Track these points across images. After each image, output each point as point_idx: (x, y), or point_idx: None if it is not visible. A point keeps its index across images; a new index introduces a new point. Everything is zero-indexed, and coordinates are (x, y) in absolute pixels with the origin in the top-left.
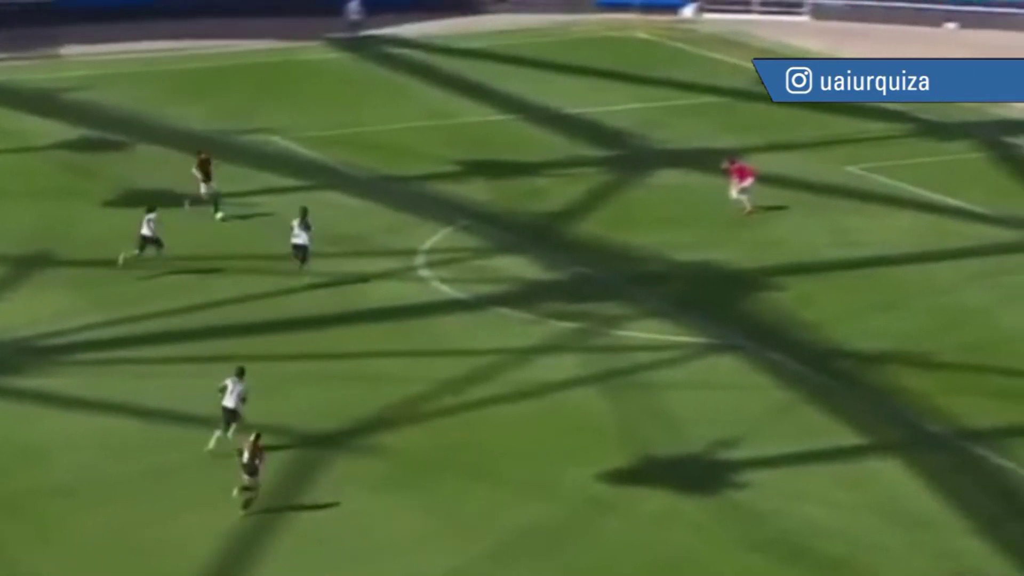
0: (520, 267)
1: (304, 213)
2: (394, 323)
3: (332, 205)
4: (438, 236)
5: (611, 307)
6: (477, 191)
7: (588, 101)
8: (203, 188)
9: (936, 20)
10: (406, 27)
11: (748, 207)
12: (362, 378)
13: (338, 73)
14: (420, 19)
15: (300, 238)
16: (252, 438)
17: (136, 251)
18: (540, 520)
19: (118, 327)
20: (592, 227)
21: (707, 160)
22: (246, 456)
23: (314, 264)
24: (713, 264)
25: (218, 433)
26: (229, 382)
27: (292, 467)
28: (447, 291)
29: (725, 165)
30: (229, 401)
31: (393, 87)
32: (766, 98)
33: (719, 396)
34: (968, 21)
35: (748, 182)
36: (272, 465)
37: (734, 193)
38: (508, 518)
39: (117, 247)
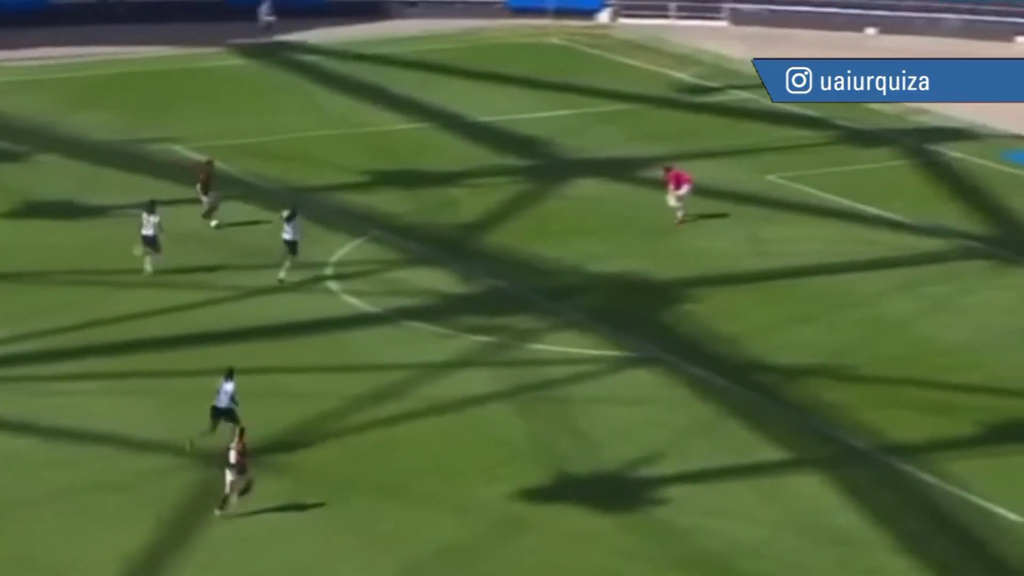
0: (433, 279)
1: (293, 209)
2: (302, 338)
3: (238, 216)
4: (348, 248)
5: (526, 320)
6: (388, 201)
7: (501, 109)
8: (205, 199)
9: (857, 25)
10: (314, 33)
11: (680, 216)
12: (269, 395)
13: (244, 80)
14: (329, 24)
15: (288, 234)
16: (237, 435)
17: (144, 248)
18: (454, 539)
19: (17, 344)
20: (506, 238)
21: (623, 169)
22: (233, 456)
23: (219, 277)
24: (630, 275)
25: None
26: (220, 384)
27: (199, 487)
28: (357, 304)
29: (662, 173)
30: (222, 401)
31: (301, 95)
32: (684, 105)
33: (638, 411)
34: (888, 26)
35: (684, 189)
36: (178, 486)
37: (671, 201)
38: (421, 537)
39: (17, 259)
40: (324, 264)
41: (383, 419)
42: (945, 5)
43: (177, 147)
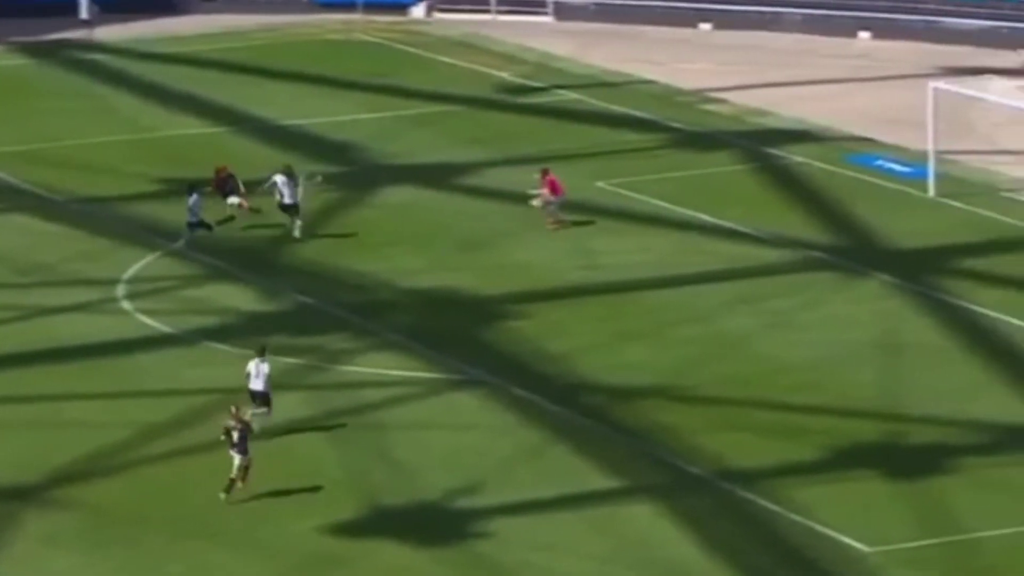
0: (234, 296)
1: (289, 171)
2: (90, 361)
3: (18, 230)
4: (141, 263)
5: (337, 340)
6: (185, 212)
7: (307, 111)
8: (230, 200)
9: (690, 21)
10: (102, 30)
11: (551, 220)
12: (53, 424)
13: (23, 81)
14: (118, 21)
15: (289, 198)
16: (235, 412)
17: (189, 234)
18: None
19: None
20: (314, 251)
21: (442, 175)
22: (236, 435)
23: None
24: (449, 291)
25: (258, 411)
26: (252, 365)
27: None
28: (152, 324)
29: (537, 175)
30: (257, 384)
31: (88, 97)
32: (507, 106)
33: (459, 437)
34: (723, 22)
35: (557, 198)
36: None
37: (536, 202)
38: None
39: None
40: (115, 281)
41: (180, 449)
42: None
43: None
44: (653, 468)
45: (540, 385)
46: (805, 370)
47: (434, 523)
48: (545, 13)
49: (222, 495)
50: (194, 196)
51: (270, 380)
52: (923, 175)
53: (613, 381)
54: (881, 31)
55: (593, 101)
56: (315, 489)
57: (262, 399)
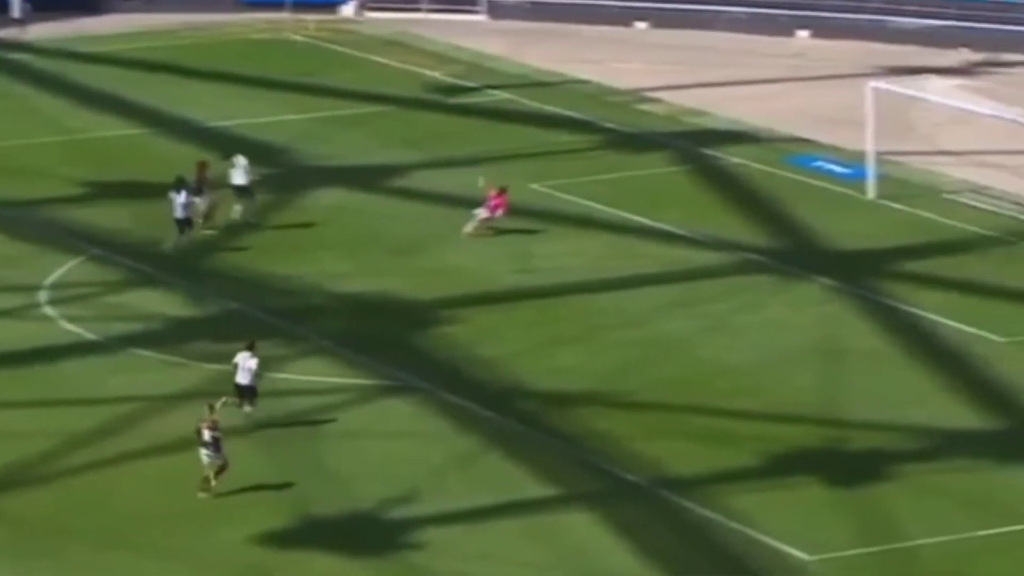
0: (160, 302)
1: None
2: (13, 369)
3: None
4: (64, 268)
5: (265, 346)
6: (109, 216)
7: (234, 112)
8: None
9: (625, 19)
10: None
11: (470, 228)
12: None
13: None
14: (43, 20)
15: (241, 178)
16: (208, 411)
17: (179, 235)
18: None
19: None
20: (242, 256)
21: (371, 177)
22: (208, 434)
23: None
24: (380, 296)
25: (247, 408)
26: (240, 358)
27: None
28: (75, 331)
29: (492, 192)
30: (243, 378)
31: (9, 98)
32: (439, 107)
33: (391, 445)
34: (659, 20)
35: (497, 214)
36: None
37: (483, 213)
38: None
39: None
40: (38, 287)
41: (106, 459)
42: None
43: None
44: (589, 475)
45: (474, 391)
46: (743, 375)
47: (367, 532)
48: (478, 11)
49: (201, 495)
50: (183, 193)
51: (255, 375)
52: (863, 176)
53: (548, 386)
54: (819, 30)
55: (527, 101)
56: (245, 498)
57: (247, 393)
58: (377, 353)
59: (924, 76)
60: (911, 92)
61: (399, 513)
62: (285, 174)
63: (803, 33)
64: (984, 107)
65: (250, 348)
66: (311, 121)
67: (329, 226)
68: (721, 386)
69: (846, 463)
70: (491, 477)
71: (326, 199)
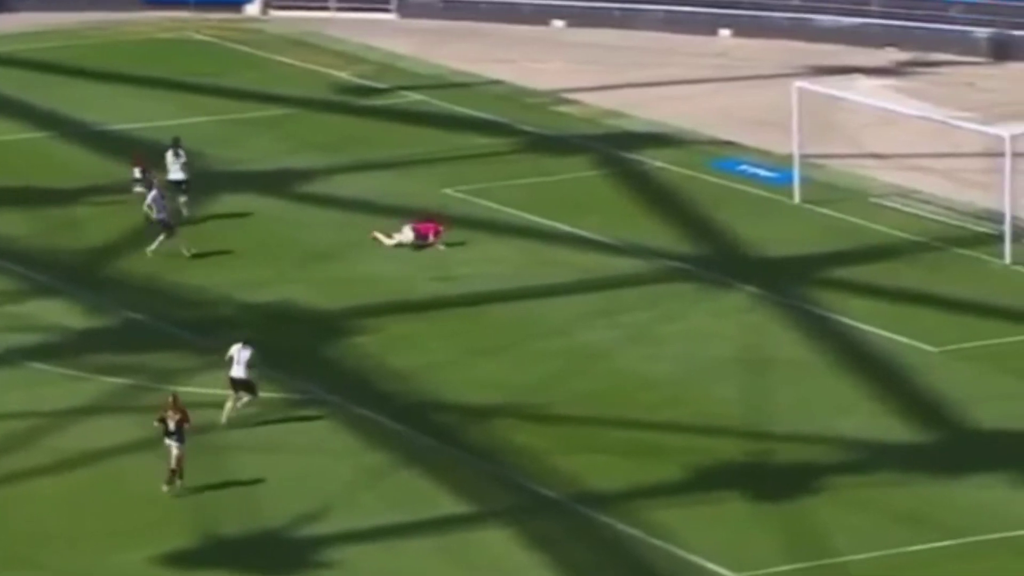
0: (58, 312)
1: (177, 143)
2: None
3: None
4: None
5: (170, 358)
6: (5, 223)
7: (135, 115)
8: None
9: (542, 17)
10: None
11: (384, 238)
12: None
13: None
14: None
15: (177, 174)
16: (171, 400)
17: (161, 237)
18: None
19: None
20: (143, 264)
21: (279, 182)
22: (172, 423)
23: None
24: (289, 305)
25: (228, 404)
26: (234, 350)
27: None
28: None
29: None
30: (238, 371)
31: None
32: (348, 109)
33: (300, 461)
34: (576, 19)
35: (425, 238)
36: None
37: (407, 234)
38: None
39: None
40: None
41: (2, 477)
42: None
43: None
44: (506, 491)
45: (386, 404)
46: (666, 386)
47: (275, 551)
48: (388, 10)
49: (164, 487)
50: (154, 191)
51: (250, 367)
52: (788, 180)
53: (464, 399)
54: (743, 29)
55: (440, 103)
56: (149, 516)
57: (243, 387)
58: (287, 365)
59: (851, 76)
60: (837, 92)
61: (309, 531)
62: (190, 179)
63: (725, 32)
64: (912, 108)
65: (246, 340)
66: (218, 124)
67: (238, 233)
68: (643, 398)
69: (772, 476)
70: (404, 493)
71: (233, 205)
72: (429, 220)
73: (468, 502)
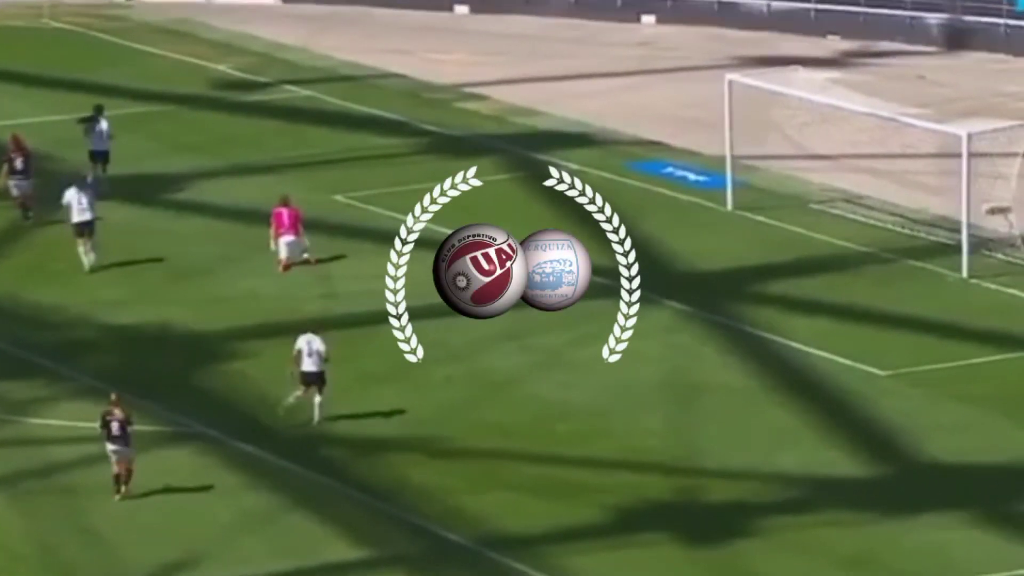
0: None
1: (100, 110)
2: None
3: None
4: None
5: (22, 388)
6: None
7: None
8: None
9: (444, 3)
10: None
11: (285, 257)
12: None
13: None
14: None
15: (103, 144)
16: (114, 399)
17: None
18: None
19: None
20: None
21: (148, 188)
22: (116, 426)
23: None
24: (160, 327)
25: (297, 394)
26: (303, 342)
27: None
28: None
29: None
30: (310, 364)
31: None
32: (226, 105)
33: (171, 502)
34: (484, 4)
35: (286, 237)
36: None
37: (282, 248)
38: None
39: None
40: None
41: None
42: None
43: None
44: (405, 535)
45: (270, 438)
46: (584, 416)
47: None
48: None
49: (116, 497)
50: (72, 190)
51: (323, 359)
52: (720, 184)
53: (356, 432)
54: (667, 15)
55: (329, 99)
56: None
57: (316, 381)
58: (155, 394)
59: (790, 68)
60: (774, 86)
61: None
62: (44, 185)
63: (648, 18)
64: (857, 103)
65: (315, 329)
66: (72, 123)
67: (100, 246)
68: (558, 430)
69: (704, 517)
70: (289, 538)
71: (96, 214)
72: (279, 216)
73: (362, 547)
